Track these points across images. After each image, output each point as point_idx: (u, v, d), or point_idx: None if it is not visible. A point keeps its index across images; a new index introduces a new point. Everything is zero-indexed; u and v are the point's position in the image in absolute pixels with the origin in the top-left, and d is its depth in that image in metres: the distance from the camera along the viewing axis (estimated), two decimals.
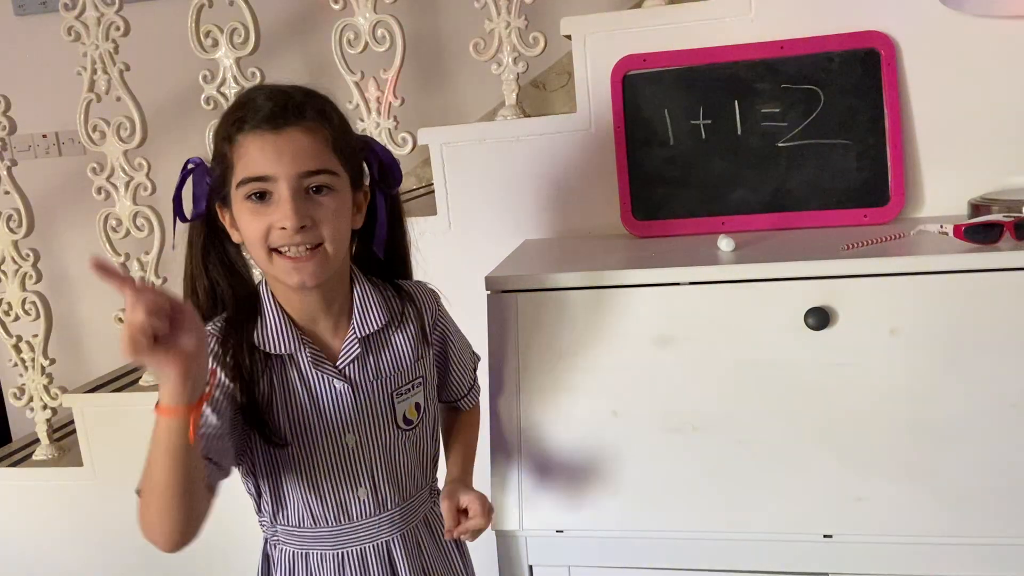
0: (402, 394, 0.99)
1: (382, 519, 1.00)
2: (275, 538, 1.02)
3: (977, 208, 1.25)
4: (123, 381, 1.75)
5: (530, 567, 1.20)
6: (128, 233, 1.65)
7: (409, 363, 1.00)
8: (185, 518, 0.81)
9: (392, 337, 0.99)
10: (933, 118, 1.33)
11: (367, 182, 0.97)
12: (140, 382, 1.70)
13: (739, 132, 1.36)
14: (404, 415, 1.00)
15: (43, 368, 1.74)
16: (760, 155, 1.35)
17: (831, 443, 1.13)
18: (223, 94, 1.57)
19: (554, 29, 1.47)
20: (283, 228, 0.86)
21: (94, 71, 1.61)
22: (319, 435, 0.95)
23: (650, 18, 1.39)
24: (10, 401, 1.81)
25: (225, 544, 1.65)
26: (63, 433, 1.86)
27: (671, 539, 1.19)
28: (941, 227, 1.12)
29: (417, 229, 1.52)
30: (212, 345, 0.90)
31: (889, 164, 1.31)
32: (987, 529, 1.10)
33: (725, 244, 1.21)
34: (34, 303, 1.73)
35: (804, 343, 1.11)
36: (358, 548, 1.00)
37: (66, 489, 1.72)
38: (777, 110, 1.34)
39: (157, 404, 0.77)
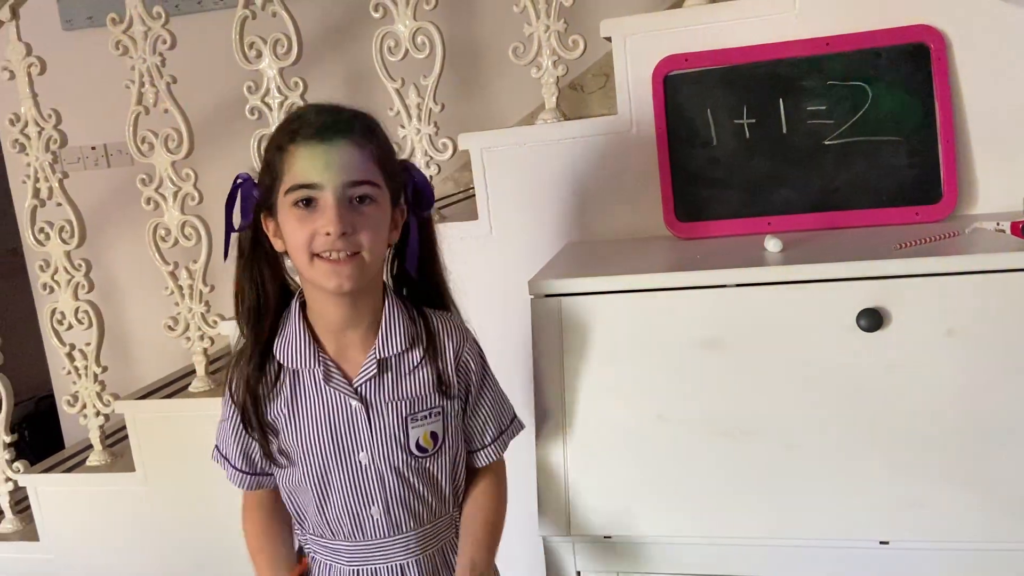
0: (417, 420, 1.00)
1: (396, 542, 1.02)
2: (305, 544, 1.07)
3: None
4: (173, 388, 1.78)
5: (577, 573, 1.19)
6: (176, 242, 1.68)
7: (429, 391, 1.00)
8: None
9: (414, 361, 1.00)
10: (986, 112, 1.29)
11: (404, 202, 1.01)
12: (190, 388, 1.73)
13: (784, 130, 1.34)
14: (418, 442, 1.00)
15: (96, 375, 1.78)
16: (806, 153, 1.33)
17: (886, 447, 1.10)
18: (267, 104, 1.59)
19: (591, 31, 1.47)
20: (327, 234, 0.90)
21: (142, 84, 1.65)
22: (332, 450, 0.98)
23: (691, 18, 1.38)
24: (64, 408, 1.86)
25: None
26: (115, 439, 1.90)
27: (721, 545, 1.17)
28: (997, 224, 1.09)
29: (458, 234, 1.54)
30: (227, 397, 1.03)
31: (941, 160, 1.28)
32: None
33: (773, 245, 1.19)
34: (87, 312, 1.77)
35: (857, 345, 1.09)
36: (372, 567, 1.02)
37: (119, 494, 1.76)
38: (823, 107, 1.31)
39: None
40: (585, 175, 1.47)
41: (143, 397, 1.74)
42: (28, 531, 1.87)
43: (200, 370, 1.72)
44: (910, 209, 1.29)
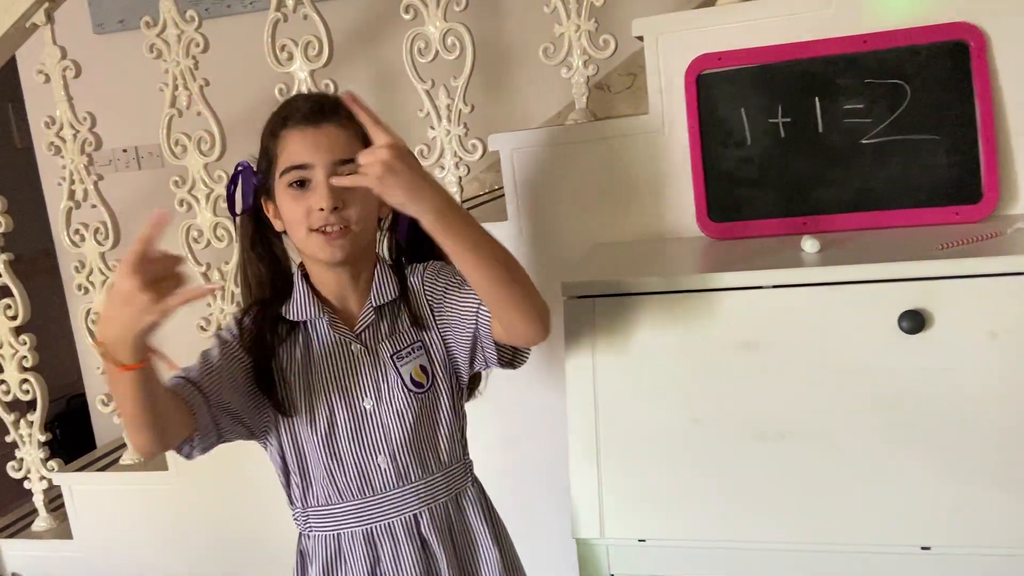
0: (403, 357, 1.07)
1: (406, 491, 1.06)
2: (307, 527, 1.09)
3: None
4: None
5: None
6: (209, 243, 1.70)
7: (407, 327, 1.08)
8: (153, 435, 0.93)
9: (399, 308, 1.09)
10: None
11: None
12: None
13: (820, 129, 1.32)
14: (411, 377, 1.07)
15: None
16: (843, 153, 1.31)
17: (927, 451, 1.09)
18: None
19: (619, 30, 1.46)
20: (320, 209, 0.99)
21: (175, 87, 1.66)
22: (338, 400, 1.05)
23: (724, 16, 1.37)
24: (98, 407, 1.88)
25: None
26: None
27: (758, 550, 1.16)
28: None
29: None
30: (232, 326, 1.07)
31: (981, 159, 1.26)
32: None
33: (809, 245, 1.18)
34: None
35: (898, 347, 1.07)
36: (386, 523, 1.06)
37: (151, 492, 1.78)
38: (861, 106, 1.29)
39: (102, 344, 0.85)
40: (615, 175, 1.46)
41: None
42: (62, 529, 1.90)
43: None
44: (950, 209, 1.27)
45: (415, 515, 1.07)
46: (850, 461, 1.11)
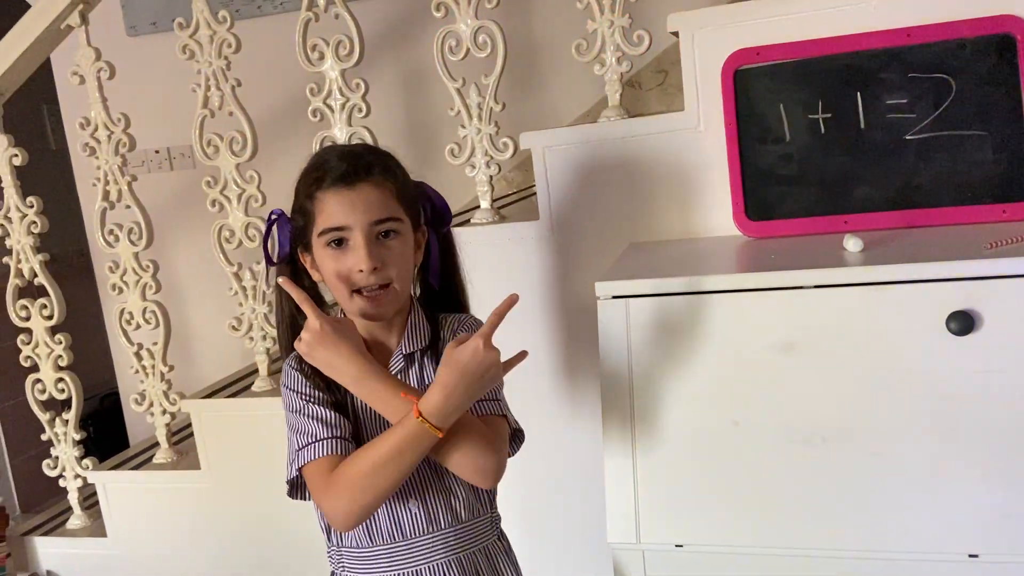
0: None
1: (435, 539, 1.06)
2: (340, 566, 1.09)
3: None
4: (237, 387, 1.80)
5: None
6: (240, 243, 1.70)
7: (432, 375, 1.06)
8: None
9: (428, 355, 1.09)
10: None
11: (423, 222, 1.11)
12: (253, 388, 1.75)
13: (862, 125, 1.29)
14: None
15: (162, 375, 1.81)
16: (886, 149, 1.28)
17: (976, 456, 1.05)
18: (329, 106, 1.60)
19: (651, 26, 1.44)
20: (360, 271, 1.00)
21: (208, 88, 1.67)
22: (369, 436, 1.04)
23: (763, 9, 1.34)
24: (131, 407, 1.89)
25: None
26: (180, 437, 1.93)
27: (799, 556, 1.13)
28: None
29: (518, 235, 1.52)
30: (295, 376, 1.06)
31: None
32: None
33: (852, 244, 1.15)
34: (154, 312, 1.80)
35: (946, 349, 1.04)
36: (414, 569, 1.05)
37: (185, 491, 1.79)
38: (904, 101, 1.26)
39: (420, 415, 0.94)
40: (650, 173, 1.44)
41: (208, 396, 1.76)
42: (96, 527, 1.92)
43: (263, 370, 1.74)
44: (997, 207, 1.23)
45: (446, 562, 1.06)
46: (895, 466, 1.08)
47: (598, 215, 1.49)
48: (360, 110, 1.59)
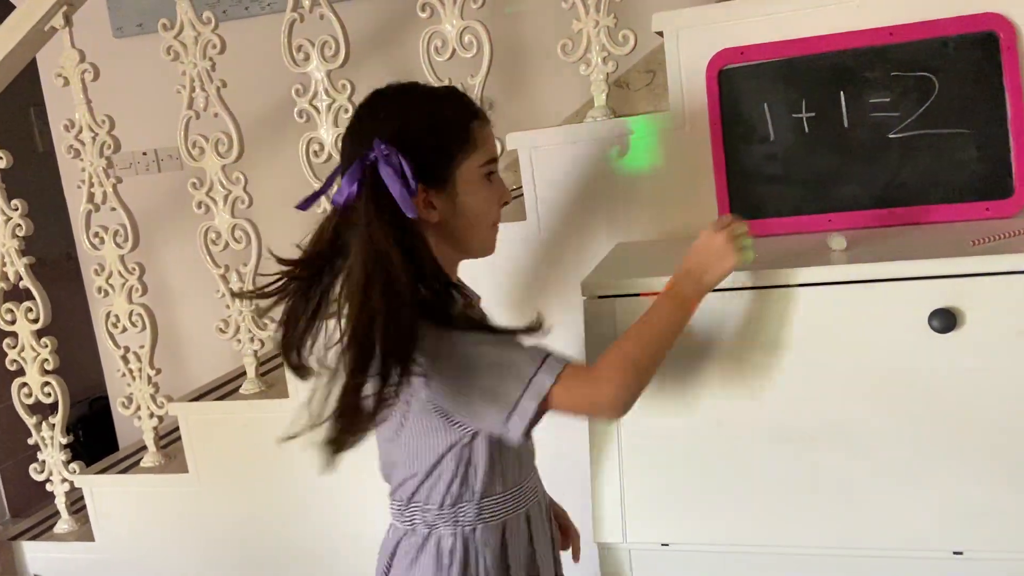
0: None
1: (533, 477, 1.11)
2: (479, 519, 1.04)
3: None
4: (225, 390, 1.80)
5: None
6: (227, 245, 1.70)
7: None
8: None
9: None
10: None
11: None
12: (241, 390, 1.74)
13: (846, 124, 1.29)
14: None
15: (149, 378, 1.80)
16: (869, 147, 1.28)
17: (959, 453, 1.06)
18: (315, 107, 1.59)
19: (637, 26, 1.44)
20: (506, 202, 1.05)
21: (193, 89, 1.66)
22: None
23: (747, 9, 1.34)
24: (118, 410, 1.89)
25: (325, 549, 1.68)
26: (168, 440, 1.92)
27: (785, 555, 1.14)
28: None
29: (506, 236, 1.52)
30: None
31: (1012, 153, 1.23)
32: None
33: (836, 243, 1.15)
34: (140, 315, 1.79)
35: (929, 347, 1.04)
36: (525, 512, 1.08)
37: (172, 495, 1.78)
38: (887, 100, 1.27)
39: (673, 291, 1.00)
40: (636, 173, 1.44)
41: (195, 399, 1.76)
42: (84, 531, 1.91)
43: (251, 372, 1.73)
44: (980, 204, 1.24)
45: (537, 504, 1.10)
46: (879, 464, 1.08)
47: (585, 215, 1.49)
48: (346, 111, 1.58)
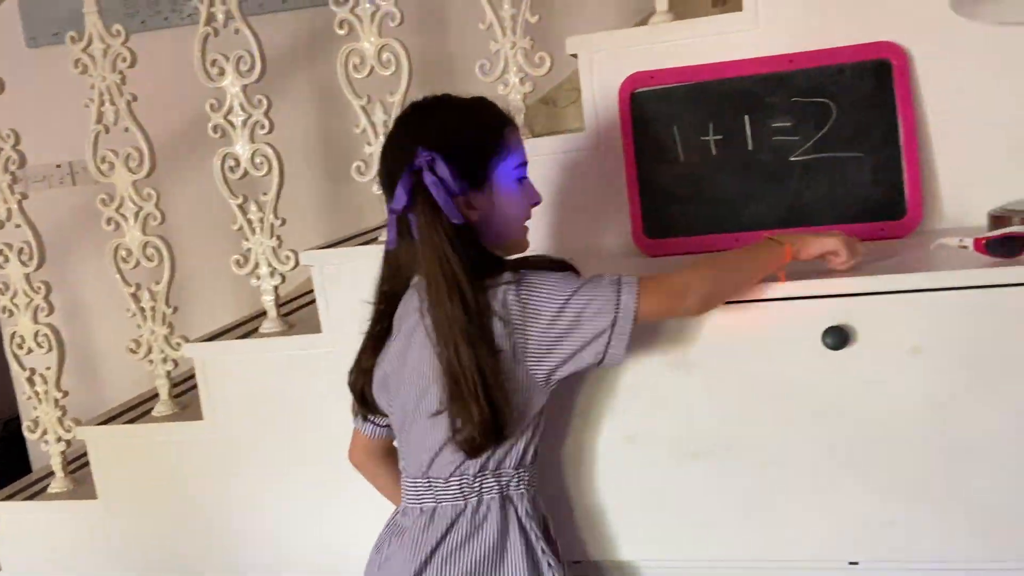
0: None
1: None
2: (537, 483, 1.09)
3: (997, 220, 1.21)
4: (136, 412, 1.74)
5: None
6: (138, 263, 1.65)
7: None
8: None
9: None
10: (949, 128, 1.30)
11: None
12: (153, 412, 1.69)
13: (750, 147, 1.33)
14: None
15: (56, 400, 1.74)
16: (772, 170, 1.32)
17: (855, 466, 1.10)
18: (230, 122, 1.57)
19: (560, 47, 1.46)
20: (536, 203, 1.12)
21: (102, 103, 1.61)
22: None
23: (656, 35, 1.38)
24: (25, 433, 1.81)
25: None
26: (79, 464, 1.85)
27: (692, 568, 1.16)
28: (960, 241, 1.09)
29: None
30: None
31: (905, 176, 1.28)
32: (1020, 553, 1.06)
33: None
34: (47, 336, 1.72)
35: (824, 364, 1.08)
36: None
37: (81, 522, 1.71)
38: (788, 124, 1.31)
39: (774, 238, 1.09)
40: (552, 192, 1.46)
41: (105, 422, 1.70)
42: None
43: (163, 394, 1.68)
44: (875, 225, 1.29)
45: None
46: (780, 477, 1.12)
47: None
48: (263, 126, 1.56)
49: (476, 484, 1.04)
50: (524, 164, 1.10)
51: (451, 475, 1.04)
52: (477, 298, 0.98)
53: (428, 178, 1.00)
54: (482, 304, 0.98)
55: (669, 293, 1.02)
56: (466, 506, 1.04)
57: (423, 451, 1.05)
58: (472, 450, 1.00)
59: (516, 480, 1.05)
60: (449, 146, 1.02)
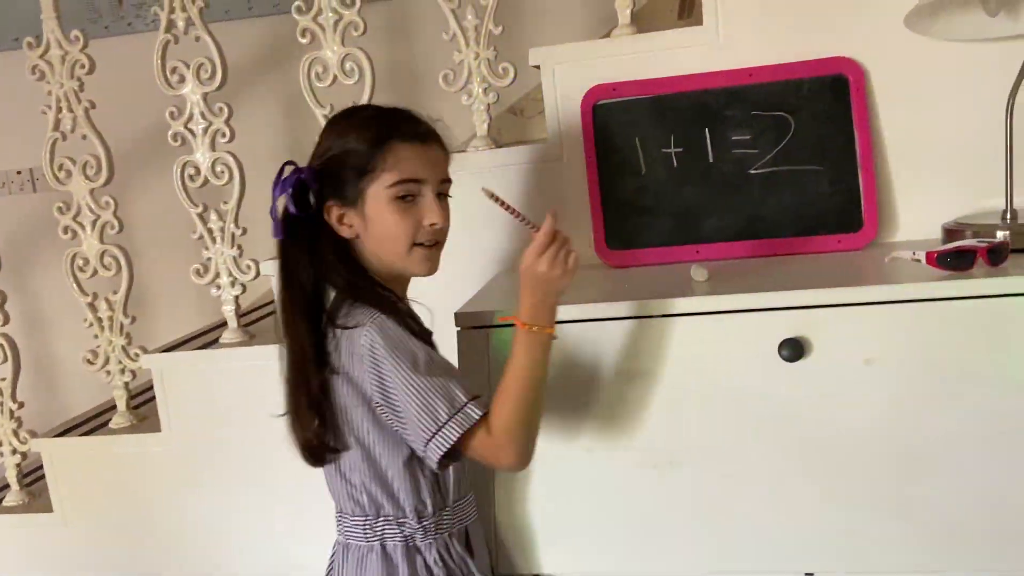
0: None
1: (472, 496, 1.10)
2: (450, 525, 1.06)
3: (951, 233, 1.23)
4: (94, 424, 1.71)
5: None
6: (95, 272, 1.62)
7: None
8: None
9: None
10: (904, 142, 1.32)
11: None
12: (111, 424, 1.66)
13: (711, 160, 1.34)
14: None
15: (12, 412, 1.70)
16: (732, 182, 1.34)
17: (811, 477, 1.10)
18: (190, 130, 1.55)
19: (526, 58, 1.46)
20: (432, 224, 1.03)
21: (59, 109, 1.59)
22: None
23: (619, 47, 1.39)
24: None
25: None
26: (35, 477, 1.81)
27: None
28: (914, 254, 1.10)
29: None
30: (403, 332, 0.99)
31: (861, 189, 1.30)
32: (974, 562, 1.07)
33: (698, 274, 1.19)
34: (2, 346, 1.69)
35: (780, 375, 1.09)
36: (469, 526, 1.08)
37: (37, 536, 1.68)
38: (748, 137, 1.32)
39: (526, 325, 0.99)
40: (517, 203, 1.45)
41: (61, 434, 1.67)
42: None
43: (121, 405, 1.65)
44: (832, 237, 1.31)
45: (475, 521, 1.11)
46: (738, 488, 1.12)
47: (466, 245, 1.49)
48: (224, 135, 1.55)
49: (379, 527, 1.04)
50: (404, 182, 1.01)
51: (354, 513, 1.05)
52: (311, 328, 1.01)
53: (278, 191, 1.02)
54: (320, 332, 1.01)
55: (490, 445, 0.97)
56: (371, 550, 1.04)
57: (328, 476, 1.07)
58: (311, 459, 1.03)
59: (422, 531, 1.04)
60: (325, 160, 1.03)
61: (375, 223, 1.02)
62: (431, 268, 1.06)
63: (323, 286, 1.04)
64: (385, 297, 1.03)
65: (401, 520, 1.03)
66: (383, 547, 1.04)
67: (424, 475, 1.03)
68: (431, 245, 1.05)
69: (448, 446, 0.95)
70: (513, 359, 1.00)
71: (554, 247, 1.00)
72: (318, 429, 1.01)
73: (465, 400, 0.96)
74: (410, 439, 0.98)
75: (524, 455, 0.99)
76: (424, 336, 1.04)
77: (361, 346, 0.97)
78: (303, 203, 1.01)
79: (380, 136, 1.02)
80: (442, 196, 1.06)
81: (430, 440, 0.95)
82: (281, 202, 1.02)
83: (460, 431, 0.95)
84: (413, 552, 1.04)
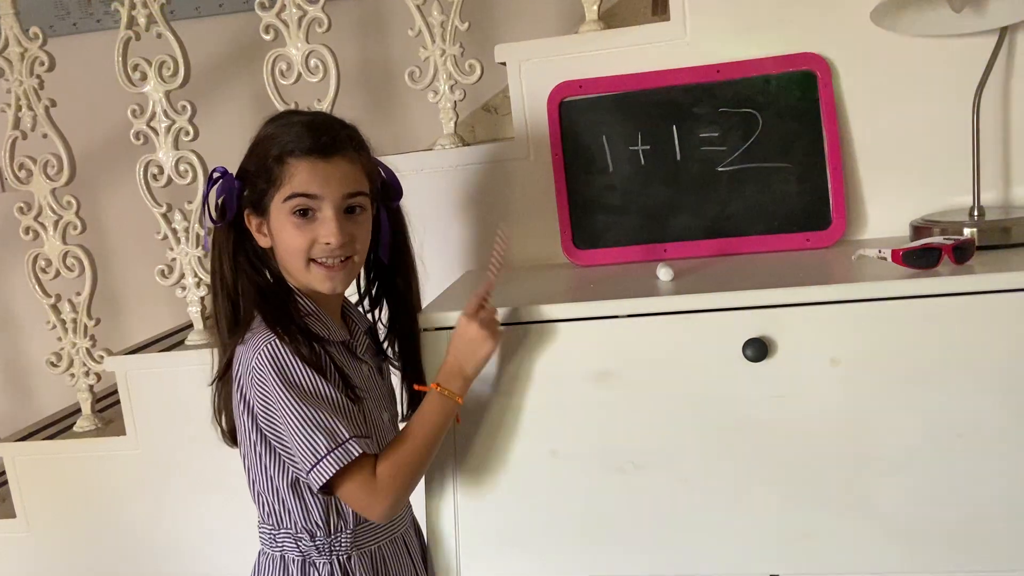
0: (385, 372, 1.14)
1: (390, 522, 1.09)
2: (354, 546, 1.05)
3: (918, 230, 1.22)
4: (58, 427, 1.68)
5: None
6: (58, 274, 1.60)
7: (372, 350, 1.13)
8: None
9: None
10: (872, 139, 1.31)
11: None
12: (75, 428, 1.64)
13: (678, 157, 1.33)
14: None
15: None
16: (700, 180, 1.32)
17: (775, 478, 1.09)
18: (153, 128, 1.52)
19: (488, 55, 1.44)
20: (327, 243, 0.99)
21: (19, 108, 1.56)
22: (371, 414, 1.04)
23: (585, 44, 1.37)
24: None
25: None
26: (1, 481, 1.78)
27: None
28: (879, 252, 1.09)
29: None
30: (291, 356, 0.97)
31: (830, 187, 1.29)
32: (937, 563, 1.07)
33: (664, 273, 1.18)
34: None
35: (744, 376, 1.08)
36: (400, 534, 1.09)
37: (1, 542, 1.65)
38: (716, 134, 1.31)
39: (439, 387, 1.01)
40: (483, 201, 1.44)
41: (25, 438, 1.64)
42: None
43: (86, 408, 1.63)
44: (800, 235, 1.30)
45: (407, 529, 1.12)
46: (702, 490, 1.11)
47: (436, 243, 1.47)
48: (187, 133, 1.52)
49: (280, 538, 1.04)
50: (300, 196, 0.98)
51: (262, 520, 1.05)
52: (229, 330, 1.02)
53: (206, 195, 1.03)
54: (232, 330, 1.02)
55: (368, 488, 0.97)
56: (273, 559, 1.04)
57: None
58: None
59: (316, 550, 1.03)
60: (242, 168, 1.03)
61: (276, 236, 1.01)
62: (332, 287, 1.02)
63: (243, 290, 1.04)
64: (289, 318, 1.00)
65: (298, 536, 1.03)
66: (283, 558, 1.04)
67: (316, 497, 1.01)
68: (333, 264, 1.01)
69: (326, 479, 0.95)
70: (420, 414, 1.02)
71: (484, 312, 1.03)
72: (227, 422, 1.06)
73: (347, 436, 0.95)
74: (294, 465, 0.98)
75: (396, 507, 1.00)
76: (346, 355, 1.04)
77: (253, 367, 0.97)
78: (223, 211, 1.02)
79: (279, 149, 0.99)
80: (355, 210, 1.02)
81: (310, 472, 0.95)
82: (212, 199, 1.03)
83: (338, 466, 0.94)
84: (309, 567, 1.03)
